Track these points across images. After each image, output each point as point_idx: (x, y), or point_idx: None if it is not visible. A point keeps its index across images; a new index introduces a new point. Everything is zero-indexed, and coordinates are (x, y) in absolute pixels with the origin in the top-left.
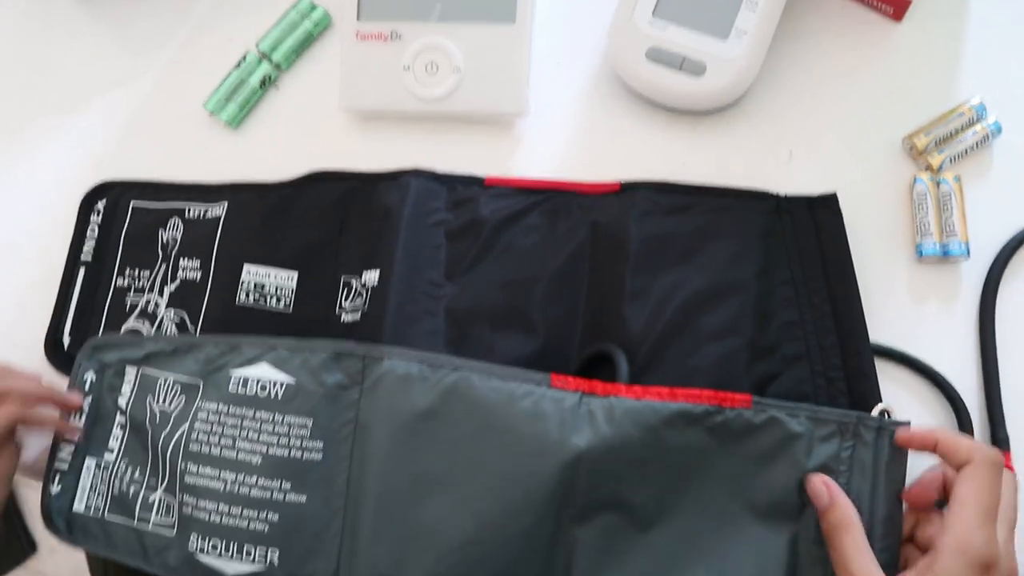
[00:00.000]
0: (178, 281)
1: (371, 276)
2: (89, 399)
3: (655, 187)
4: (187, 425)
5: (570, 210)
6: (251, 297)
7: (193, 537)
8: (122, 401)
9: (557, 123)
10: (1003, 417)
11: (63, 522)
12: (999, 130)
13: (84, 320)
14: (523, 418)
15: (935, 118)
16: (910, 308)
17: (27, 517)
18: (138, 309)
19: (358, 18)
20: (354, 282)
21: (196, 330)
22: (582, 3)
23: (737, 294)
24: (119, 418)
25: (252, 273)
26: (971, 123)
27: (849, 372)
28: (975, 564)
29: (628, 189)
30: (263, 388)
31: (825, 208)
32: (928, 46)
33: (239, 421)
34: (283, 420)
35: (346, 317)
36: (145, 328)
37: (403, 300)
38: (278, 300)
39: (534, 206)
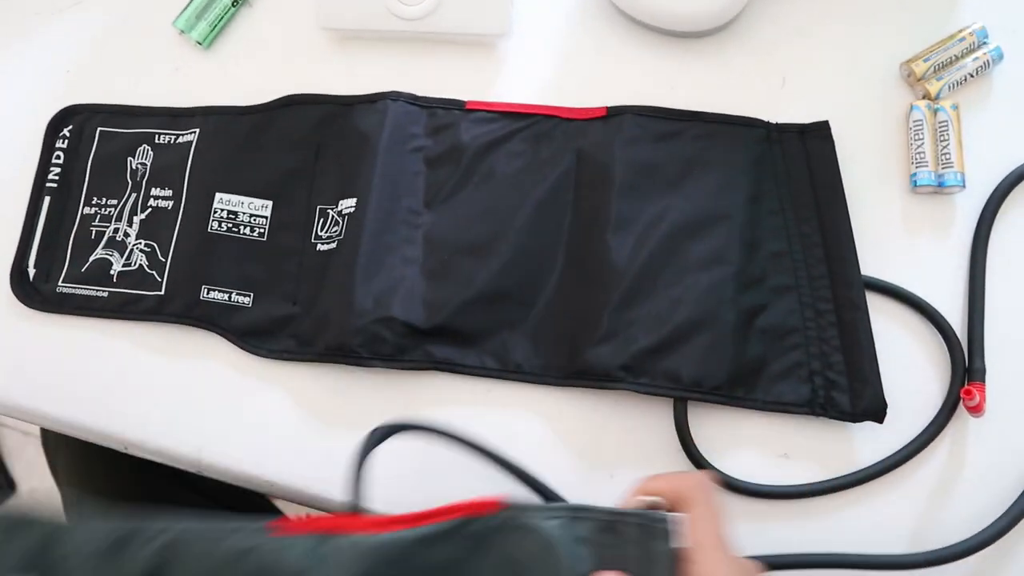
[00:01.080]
0: (149, 210)
1: (347, 204)
2: None
3: (643, 112)
4: None
5: (554, 136)
6: (224, 226)
7: None
8: None
9: (542, 45)
10: (983, 349)
11: None
12: (1000, 56)
13: (49, 250)
14: None
15: (934, 43)
16: (902, 240)
17: (5, 458)
18: (105, 238)
19: None
20: (330, 211)
21: (167, 260)
22: None
23: (725, 223)
24: None
25: (224, 201)
26: (972, 49)
27: (839, 303)
28: None
29: (615, 114)
30: None
31: (817, 136)
32: None
33: None
34: None
35: (322, 246)
36: (114, 258)
37: (380, 228)
38: (251, 229)
39: (517, 132)
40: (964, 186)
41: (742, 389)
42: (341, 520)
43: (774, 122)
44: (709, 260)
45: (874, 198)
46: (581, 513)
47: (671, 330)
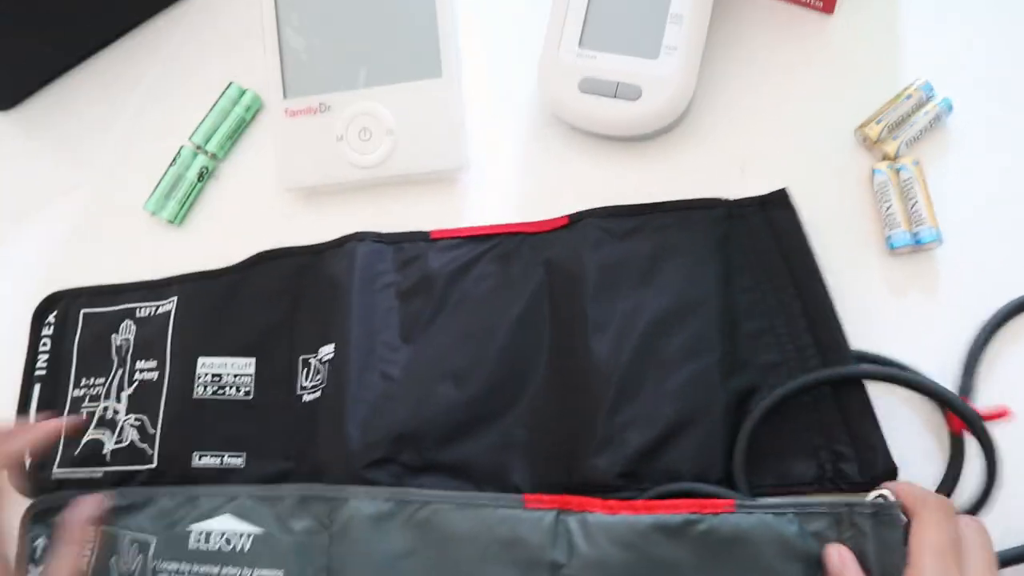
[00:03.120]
0: (136, 384)
1: (326, 350)
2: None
3: (603, 214)
4: None
5: (521, 252)
6: (208, 390)
7: None
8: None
9: (501, 171)
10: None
11: None
12: (950, 107)
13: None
14: (501, 545)
15: (883, 105)
16: (889, 304)
17: None
18: (95, 418)
19: (284, 96)
20: (312, 360)
21: (157, 431)
22: (507, 45)
23: (700, 309)
24: None
25: (207, 365)
26: (920, 104)
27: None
28: None
29: (576, 220)
30: (228, 542)
31: (777, 205)
32: (864, 33)
33: None
34: (252, 574)
35: (307, 396)
36: (106, 436)
37: (360, 368)
38: (237, 389)
39: (484, 253)
40: (941, 240)
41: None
42: (583, 500)
43: (733, 199)
44: (690, 350)
45: (852, 266)
46: (812, 508)
47: (663, 428)
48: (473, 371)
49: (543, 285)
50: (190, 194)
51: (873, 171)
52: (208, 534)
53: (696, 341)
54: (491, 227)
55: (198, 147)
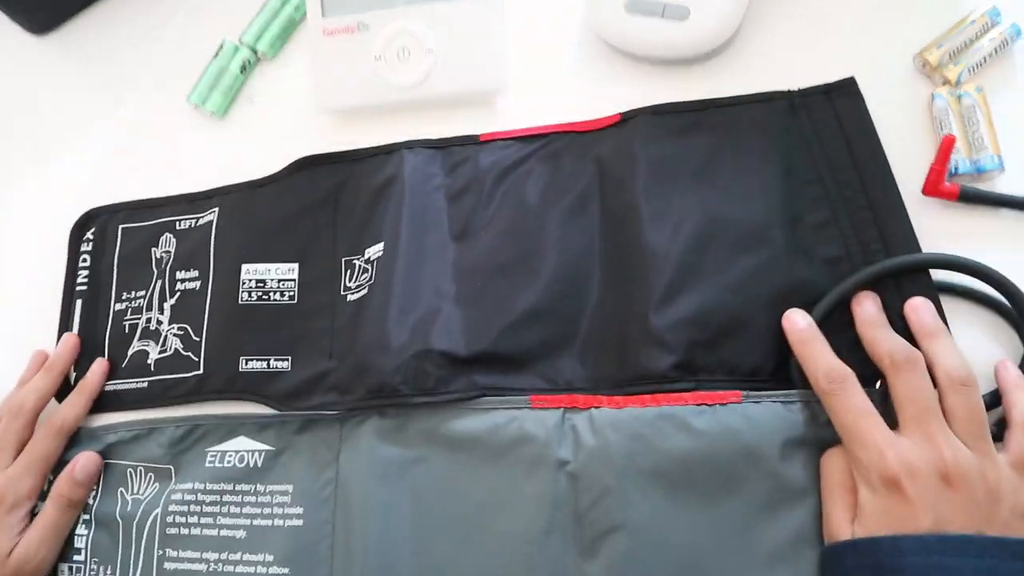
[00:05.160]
0: (177, 294)
1: (374, 250)
2: None
3: (657, 111)
4: (159, 510)
5: (571, 149)
6: (253, 296)
7: None
8: (87, 499)
9: (541, 93)
10: None
11: None
12: (1018, 33)
13: (87, 351)
14: (509, 444)
15: (945, 30)
16: (947, 231)
17: None
18: (139, 330)
19: (323, 15)
20: (356, 261)
21: (202, 339)
22: None
23: (760, 203)
24: (82, 516)
25: (251, 272)
26: (986, 29)
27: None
28: None
29: (629, 118)
30: (242, 460)
31: (844, 93)
32: None
33: (219, 497)
34: (265, 489)
35: (351, 296)
36: (150, 347)
37: (411, 265)
38: (281, 294)
39: (533, 152)
40: (1003, 168)
41: None
42: (589, 398)
43: (796, 88)
44: (749, 243)
45: (909, 193)
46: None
47: (721, 320)
48: (524, 266)
49: (594, 181)
50: (234, 86)
51: (932, 96)
52: (223, 454)
53: (756, 234)
54: (540, 128)
55: (246, 46)
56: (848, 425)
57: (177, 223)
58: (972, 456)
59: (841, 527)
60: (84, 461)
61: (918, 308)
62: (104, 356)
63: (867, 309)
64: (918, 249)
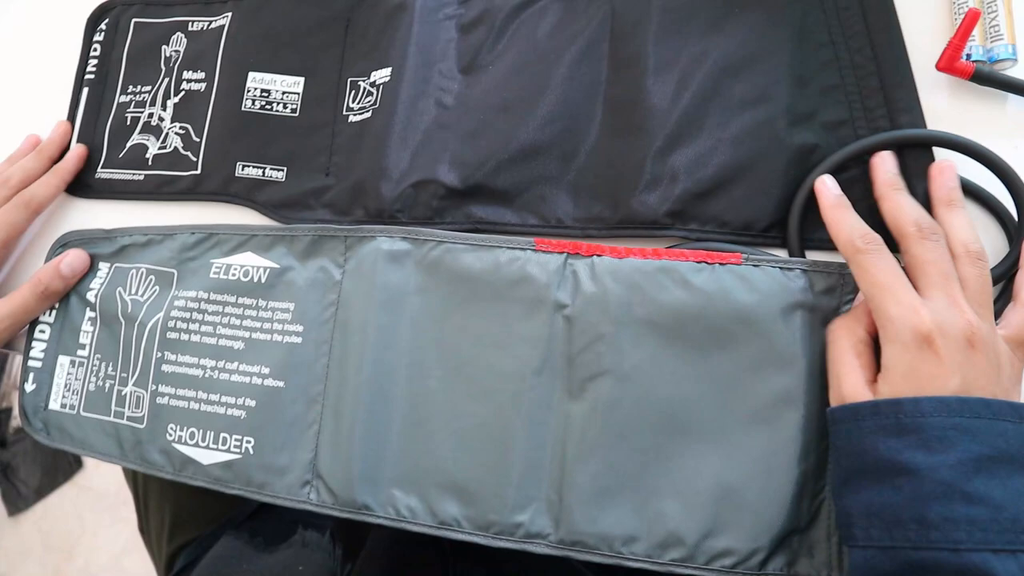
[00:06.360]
0: (182, 93)
1: (381, 74)
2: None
3: None
4: (162, 314)
5: None
6: (256, 104)
7: (171, 428)
8: (91, 296)
9: None
10: None
11: (40, 422)
12: None
13: (88, 139)
14: (510, 283)
15: None
16: (957, 116)
17: None
18: (141, 123)
19: None
20: (362, 83)
21: (203, 140)
22: None
23: (769, 60)
24: (88, 313)
25: (258, 80)
26: None
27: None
28: None
29: None
30: (246, 274)
31: None
32: None
33: (221, 308)
34: (267, 305)
35: (354, 117)
36: (150, 142)
37: (416, 94)
38: (284, 106)
39: None
40: (1016, 59)
41: None
42: (592, 246)
43: None
44: (755, 99)
45: (920, 68)
46: (820, 267)
47: (718, 172)
48: (527, 103)
49: (605, 23)
50: None
51: None
52: (228, 267)
53: (762, 90)
54: None
55: None
56: (883, 283)
57: (190, 24)
58: (986, 324)
59: (857, 389)
60: (72, 257)
61: (945, 171)
62: (104, 143)
63: (890, 170)
64: (923, 123)
